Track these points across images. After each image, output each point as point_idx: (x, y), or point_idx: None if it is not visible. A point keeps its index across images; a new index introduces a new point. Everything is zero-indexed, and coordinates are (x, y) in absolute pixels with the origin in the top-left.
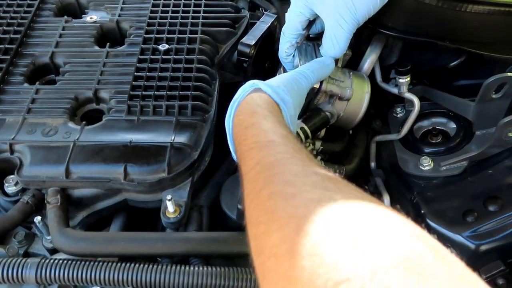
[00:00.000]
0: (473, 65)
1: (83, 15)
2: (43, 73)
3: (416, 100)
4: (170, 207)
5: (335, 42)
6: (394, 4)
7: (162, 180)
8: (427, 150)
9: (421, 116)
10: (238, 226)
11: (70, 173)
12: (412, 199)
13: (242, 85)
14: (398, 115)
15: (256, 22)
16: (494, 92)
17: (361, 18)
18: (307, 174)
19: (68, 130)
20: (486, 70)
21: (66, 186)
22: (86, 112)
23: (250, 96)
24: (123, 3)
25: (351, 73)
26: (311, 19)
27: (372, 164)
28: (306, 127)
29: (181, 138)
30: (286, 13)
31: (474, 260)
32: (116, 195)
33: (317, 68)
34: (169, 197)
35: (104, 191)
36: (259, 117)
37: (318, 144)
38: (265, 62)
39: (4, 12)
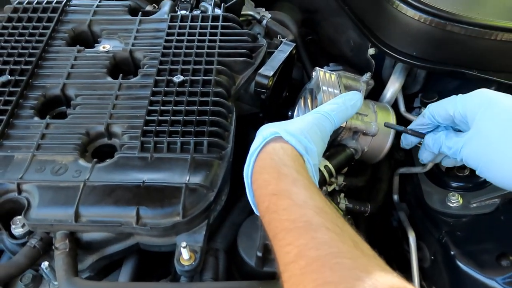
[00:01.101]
0: None
1: (96, 44)
2: (54, 106)
3: None
4: (185, 254)
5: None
6: (418, 33)
7: (177, 224)
8: (454, 184)
9: None
10: (256, 273)
11: (80, 216)
12: (440, 238)
13: (260, 121)
14: None
15: (274, 51)
16: None
17: None
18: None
19: (79, 168)
20: None
21: (75, 230)
22: (97, 147)
23: (272, 147)
24: (137, 31)
25: (375, 106)
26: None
27: (395, 197)
28: (330, 165)
29: (196, 178)
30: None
31: None
32: (128, 239)
33: (342, 110)
34: (183, 244)
35: (115, 235)
36: (288, 182)
37: (340, 179)
38: (283, 92)
39: (16, 41)
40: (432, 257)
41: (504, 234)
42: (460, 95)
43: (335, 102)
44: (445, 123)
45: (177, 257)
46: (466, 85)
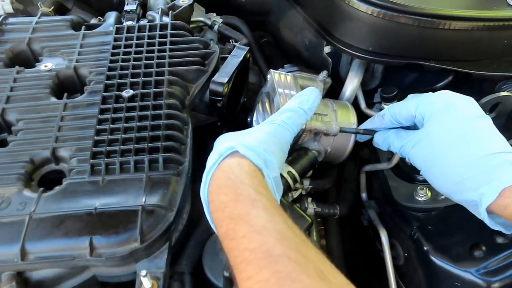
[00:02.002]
0: (461, 85)
1: (37, 63)
2: None
3: None
4: (146, 283)
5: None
6: (372, 28)
7: (135, 251)
8: (420, 177)
9: None
10: None
11: (27, 254)
12: (412, 234)
13: (219, 130)
14: None
15: (227, 57)
16: (488, 112)
17: None
18: None
19: (23, 200)
20: (475, 89)
21: (22, 270)
22: (44, 175)
23: (228, 164)
24: (81, 46)
25: (334, 104)
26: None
27: (363, 195)
28: (293, 171)
29: (153, 199)
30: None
31: None
32: (83, 273)
33: (298, 115)
34: (143, 272)
35: (68, 270)
36: (246, 203)
37: (306, 183)
38: (241, 97)
39: None
40: (406, 254)
41: (474, 224)
42: (423, 94)
43: (290, 109)
44: (407, 124)
45: (138, 287)
46: (423, 77)
